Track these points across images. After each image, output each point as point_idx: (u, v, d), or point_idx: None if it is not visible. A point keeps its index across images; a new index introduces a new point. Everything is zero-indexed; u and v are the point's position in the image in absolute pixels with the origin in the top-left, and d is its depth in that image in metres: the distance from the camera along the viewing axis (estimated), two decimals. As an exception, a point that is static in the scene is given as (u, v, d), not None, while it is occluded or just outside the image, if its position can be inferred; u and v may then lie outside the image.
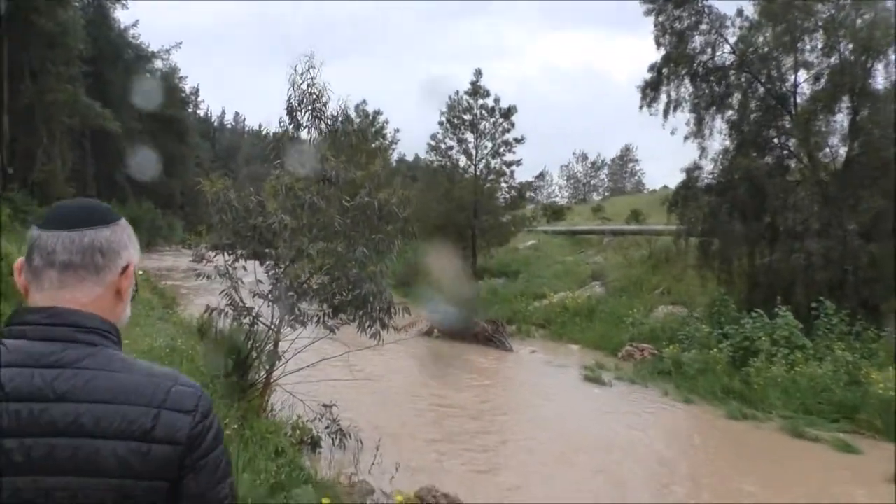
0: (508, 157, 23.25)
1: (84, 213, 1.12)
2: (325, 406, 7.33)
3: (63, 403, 0.98)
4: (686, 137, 15.48)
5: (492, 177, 23.45)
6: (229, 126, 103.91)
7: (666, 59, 15.53)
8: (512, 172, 23.39)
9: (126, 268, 1.12)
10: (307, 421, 7.14)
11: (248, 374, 6.86)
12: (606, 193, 66.88)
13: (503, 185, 23.57)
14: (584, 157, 72.56)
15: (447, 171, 22.69)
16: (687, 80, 15.43)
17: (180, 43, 73.17)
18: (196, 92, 67.27)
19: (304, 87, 8.02)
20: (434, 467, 7.25)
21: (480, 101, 22.75)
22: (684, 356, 12.40)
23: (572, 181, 70.35)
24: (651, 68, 15.87)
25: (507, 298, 20.05)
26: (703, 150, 15.46)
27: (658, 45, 15.50)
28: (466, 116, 22.85)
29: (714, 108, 15.23)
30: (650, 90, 15.84)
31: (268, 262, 7.73)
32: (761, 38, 14.95)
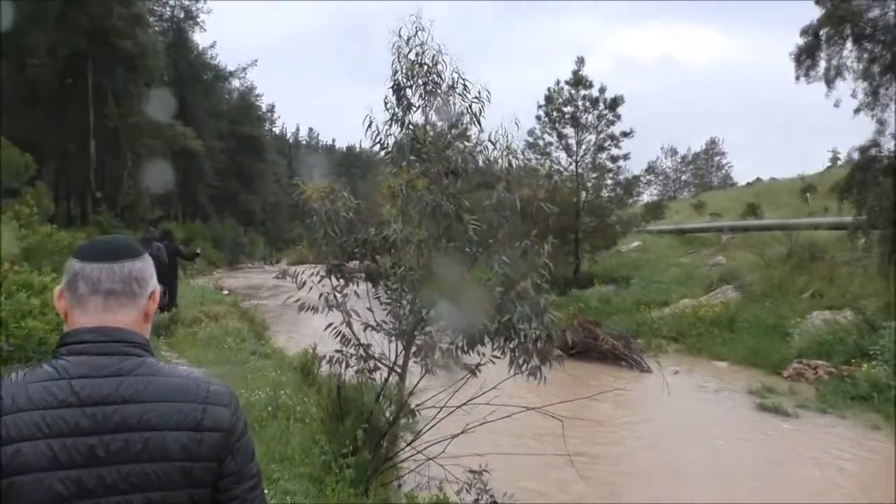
0: (614, 151, 20.94)
1: (121, 248, 1.32)
2: (473, 472, 5.45)
3: (130, 405, 1.19)
4: (857, 110, 12.87)
5: (595, 174, 21.19)
6: (304, 142, 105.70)
7: (827, 18, 12.93)
8: (619, 168, 21.06)
9: (152, 293, 1.33)
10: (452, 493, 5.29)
11: (383, 445, 5.03)
12: (693, 189, 62.90)
13: (608, 181, 21.24)
14: (674, 151, 68.59)
15: (547, 170, 20.55)
16: (850, 42, 12.81)
17: (256, 61, 74.03)
18: (272, 109, 68.06)
19: (412, 55, 6.20)
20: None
21: (583, 92, 20.54)
22: (881, 375, 9.89)
23: (661, 177, 66.43)
24: (805, 32, 13.35)
25: (623, 307, 17.74)
26: (881, 123, 12.74)
27: (817, 1, 12.94)
28: (567, 109, 20.68)
29: (892, 74, 12.50)
30: (806, 56, 13.31)
31: (387, 285, 5.96)
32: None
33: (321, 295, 5.60)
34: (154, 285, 1.33)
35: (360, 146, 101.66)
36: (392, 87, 6.23)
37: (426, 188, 5.78)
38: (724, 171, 70.44)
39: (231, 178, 52.44)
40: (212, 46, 54.72)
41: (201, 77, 51.92)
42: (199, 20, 49.29)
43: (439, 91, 6.17)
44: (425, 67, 6.15)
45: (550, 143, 21.11)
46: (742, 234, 22.12)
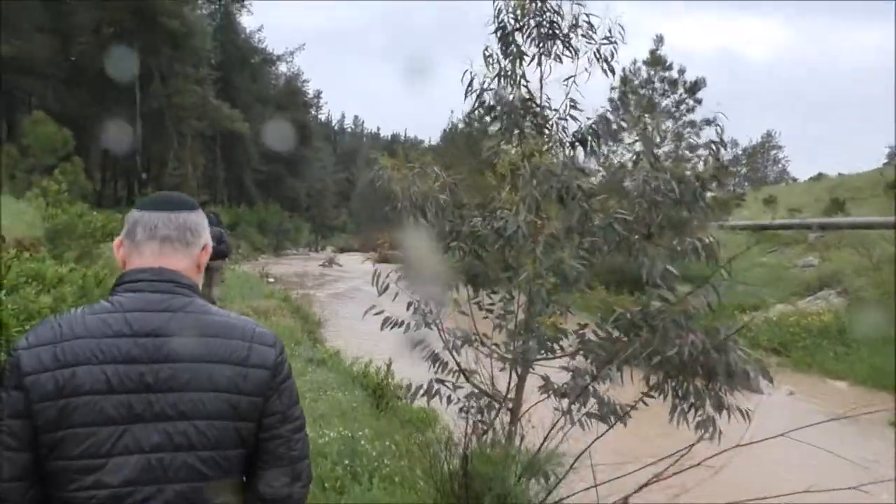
0: (694, 139, 19.04)
1: (177, 199, 1.39)
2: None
3: (178, 338, 1.24)
4: None
5: (669, 163, 19.30)
6: (349, 129, 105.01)
7: None
8: (698, 158, 19.13)
9: (205, 246, 1.39)
10: None
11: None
12: (747, 185, 59.93)
13: (687, 172, 19.30)
14: (735, 143, 65.41)
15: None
16: None
17: (303, 45, 73.62)
18: (318, 95, 67.00)
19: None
20: None
21: (661, 74, 18.67)
22: None
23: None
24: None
25: (707, 311, 15.90)
26: None
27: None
28: (643, 92, 18.81)
29: None
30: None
31: (493, 292, 4.49)
32: None
33: (414, 308, 4.13)
34: (207, 239, 1.39)
35: (405, 134, 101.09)
36: (495, 31, 4.64)
37: (550, 163, 4.25)
38: (780, 166, 67.25)
39: (277, 163, 51.69)
40: (259, 30, 54.18)
41: (249, 61, 51.20)
42: (246, 3, 48.49)
43: (559, 32, 4.57)
44: (538, 3, 4.58)
45: (623, 129, 19.29)
46: (833, 232, 20.00)
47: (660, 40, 18.89)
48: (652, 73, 18.60)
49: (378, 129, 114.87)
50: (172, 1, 28.63)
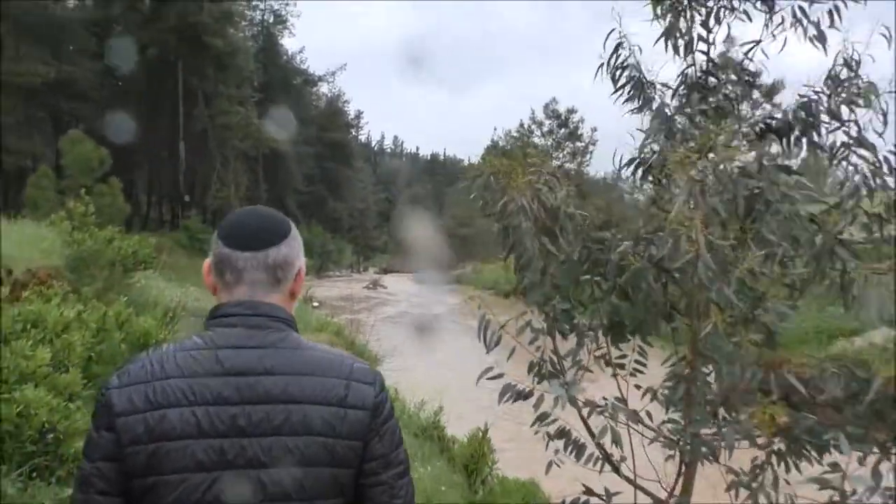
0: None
1: (265, 234, 1.25)
2: None
3: (272, 376, 1.16)
4: None
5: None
6: (388, 150, 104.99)
7: None
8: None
9: (298, 272, 1.29)
10: None
11: None
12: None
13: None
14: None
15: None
16: None
17: (345, 65, 73.43)
18: (359, 116, 66.73)
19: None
20: None
21: (731, 76, 17.11)
22: None
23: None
24: None
25: (798, 336, 14.22)
26: None
27: None
28: (712, 99, 17.22)
29: None
30: None
31: (643, 344, 3.23)
32: None
33: (539, 367, 2.88)
34: (300, 263, 1.30)
35: (444, 154, 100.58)
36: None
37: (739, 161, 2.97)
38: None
39: (319, 184, 51.39)
40: (300, 51, 54.11)
41: (291, 82, 51.21)
42: (288, 24, 48.47)
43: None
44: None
45: (693, 136, 17.79)
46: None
47: (730, 40, 17.36)
48: (722, 75, 17.04)
49: (417, 148, 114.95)
50: (216, 20, 28.32)
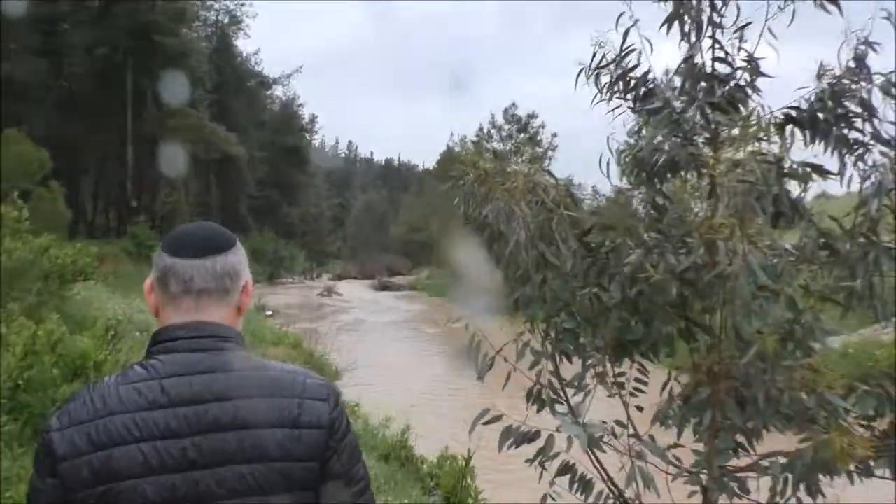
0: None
1: (212, 242, 1.20)
2: None
3: (221, 402, 1.09)
4: None
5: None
6: (342, 155, 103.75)
7: None
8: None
9: (245, 286, 1.23)
10: None
11: None
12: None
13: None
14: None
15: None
16: None
17: (301, 67, 72.39)
18: (313, 120, 65.74)
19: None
20: None
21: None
22: None
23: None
24: None
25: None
26: None
27: None
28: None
29: None
30: None
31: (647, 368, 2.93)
32: None
33: (557, 403, 2.52)
34: (246, 276, 1.24)
35: (399, 159, 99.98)
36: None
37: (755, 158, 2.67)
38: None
39: (271, 188, 50.28)
40: (256, 53, 53.03)
41: (245, 84, 50.11)
42: (243, 25, 47.41)
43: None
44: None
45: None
46: None
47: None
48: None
49: (371, 153, 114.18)
50: (169, 18, 27.36)
